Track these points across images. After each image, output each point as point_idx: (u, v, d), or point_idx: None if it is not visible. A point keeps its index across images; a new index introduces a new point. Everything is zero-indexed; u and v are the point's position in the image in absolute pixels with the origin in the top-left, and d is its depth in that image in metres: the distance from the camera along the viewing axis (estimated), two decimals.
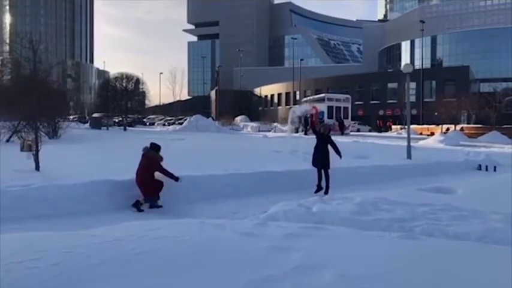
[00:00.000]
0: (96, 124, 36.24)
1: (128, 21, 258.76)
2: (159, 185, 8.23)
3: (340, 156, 9.90)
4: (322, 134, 10.17)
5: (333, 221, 6.15)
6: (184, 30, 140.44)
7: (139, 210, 7.89)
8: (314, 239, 4.35)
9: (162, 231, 4.35)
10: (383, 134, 43.14)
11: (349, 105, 40.02)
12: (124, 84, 39.06)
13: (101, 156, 10.57)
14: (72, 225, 5.93)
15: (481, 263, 3.88)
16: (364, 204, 6.89)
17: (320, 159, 9.86)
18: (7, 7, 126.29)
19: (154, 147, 8.42)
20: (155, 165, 8.18)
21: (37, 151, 9.75)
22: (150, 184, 8.11)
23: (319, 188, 9.74)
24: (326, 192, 9.62)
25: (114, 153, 9.79)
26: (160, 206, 8.20)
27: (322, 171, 9.86)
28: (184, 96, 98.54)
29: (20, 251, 3.55)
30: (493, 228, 5.67)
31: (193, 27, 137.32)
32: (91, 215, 7.16)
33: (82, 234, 4.26)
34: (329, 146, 9.93)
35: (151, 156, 8.25)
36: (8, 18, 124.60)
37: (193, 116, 36.38)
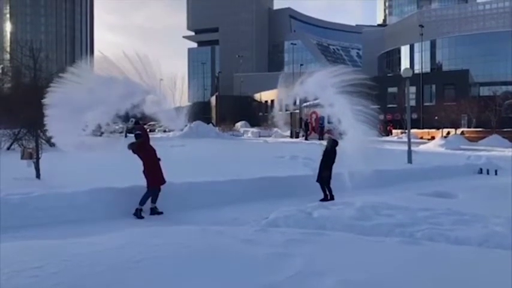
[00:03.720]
0: (97, 131, 36.19)
1: (128, 29, 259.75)
2: (162, 177, 8.21)
3: (327, 174, 9.77)
4: (325, 148, 10.08)
5: (333, 226, 6.14)
6: (184, 37, 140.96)
7: (140, 217, 7.87)
8: (315, 244, 4.35)
9: (162, 239, 4.35)
10: (383, 138, 43.08)
11: None
12: None
13: (101, 163, 10.56)
14: (72, 233, 5.92)
15: (482, 268, 3.87)
16: (365, 209, 6.88)
17: (320, 176, 9.85)
18: (7, 15, 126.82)
19: (138, 136, 8.39)
20: (147, 144, 8.17)
21: (37, 159, 9.75)
22: (155, 171, 8.10)
23: (325, 198, 9.70)
24: (332, 199, 9.59)
25: (115, 161, 9.79)
26: (161, 213, 8.18)
27: (324, 185, 9.86)
28: (185, 102, 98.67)
29: (20, 260, 3.55)
30: (494, 232, 5.66)
31: (193, 33, 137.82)
32: (92, 222, 7.15)
33: (82, 242, 4.26)
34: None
35: (140, 145, 8.16)
36: (8, 26, 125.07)
37: (194, 122, 36.32)
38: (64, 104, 7.47)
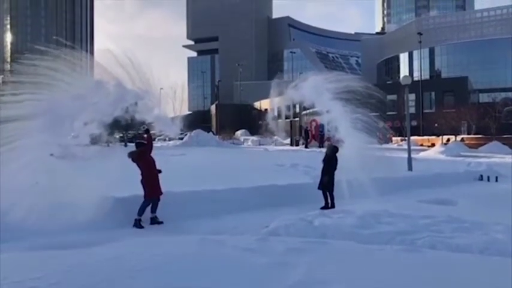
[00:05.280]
0: (96, 140, 36.12)
1: (128, 38, 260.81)
2: (158, 188, 8.20)
3: (329, 179, 9.75)
4: (326, 154, 10.07)
5: (334, 234, 6.13)
6: (184, 46, 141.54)
7: (140, 227, 7.85)
8: (316, 253, 4.34)
9: (162, 248, 4.34)
10: (383, 145, 43.06)
11: None
12: None
13: (101, 173, 10.54)
14: (72, 243, 5.89)
15: (483, 275, 3.85)
16: (366, 217, 6.87)
17: (324, 183, 9.81)
18: (8, 26, 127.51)
19: (139, 145, 8.41)
20: (148, 154, 8.17)
21: None
22: (153, 182, 8.08)
23: (326, 206, 9.67)
24: (332, 207, 9.56)
25: (116, 170, 9.76)
26: (161, 222, 8.16)
27: (327, 192, 9.83)
28: (185, 111, 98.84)
29: (20, 270, 3.54)
30: (494, 239, 5.64)
31: (192, 42, 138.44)
32: (91, 232, 7.12)
33: (82, 252, 4.25)
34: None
35: (140, 154, 8.18)
36: (9, 37, 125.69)
37: (194, 131, 36.33)
38: (49, 113, 7.05)
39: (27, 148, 6.87)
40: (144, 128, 8.37)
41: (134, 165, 8.21)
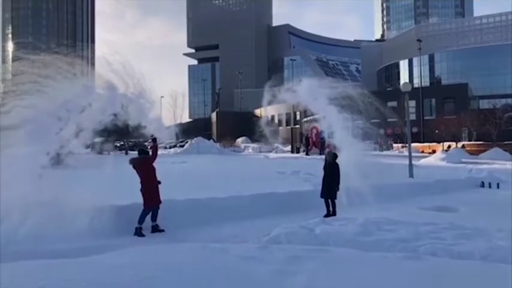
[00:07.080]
0: (98, 149, 36.16)
1: (129, 47, 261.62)
2: (158, 197, 8.20)
3: (338, 189, 9.74)
4: (327, 161, 10.03)
5: (336, 242, 6.11)
6: (184, 54, 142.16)
7: (141, 235, 7.84)
8: (318, 261, 4.32)
9: (163, 257, 4.33)
10: (384, 152, 43.04)
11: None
12: None
13: (103, 181, 10.53)
14: (73, 251, 5.89)
15: (485, 283, 3.84)
16: (367, 225, 6.85)
17: (326, 191, 9.76)
18: (10, 35, 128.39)
19: (142, 152, 8.48)
20: (150, 162, 8.19)
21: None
22: (152, 190, 8.08)
23: (328, 214, 9.63)
24: (334, 214, 9.52)
25: (116, 178, 9.76)
26: (162, 230, 8.15)
27: (329, 200, 9.78)
28: (185, 118, 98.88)
29: (20, 280, 3.53)
30: (497, 246, 5.62)
31: (193, 51, 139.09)
32: (92, 240, 7.11)
33: (84, 261, 4.24)
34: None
35: (141, 162, 8.22)
36: (10, 46, 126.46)
37: (195, 139, 36.39)
38: (36, 122, 7.03)
39: (16, 158, 6.88)
40: (152, 136, 8.46)
41: (133, 173, 8.22)
